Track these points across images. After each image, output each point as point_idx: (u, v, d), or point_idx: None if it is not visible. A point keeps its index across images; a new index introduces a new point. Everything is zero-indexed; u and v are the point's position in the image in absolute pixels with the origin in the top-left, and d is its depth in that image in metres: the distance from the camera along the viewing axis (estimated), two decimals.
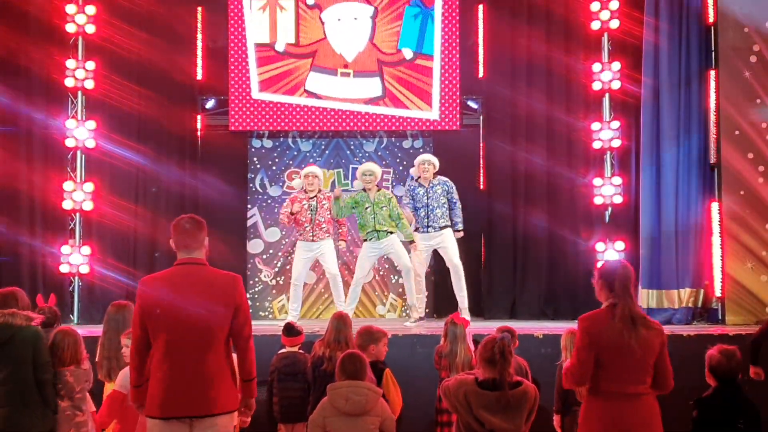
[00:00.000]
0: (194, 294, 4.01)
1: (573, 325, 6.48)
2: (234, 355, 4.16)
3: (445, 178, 9.28)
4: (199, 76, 11.00)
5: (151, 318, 3.99)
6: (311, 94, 10.82)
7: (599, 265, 4.34)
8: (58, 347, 5.10)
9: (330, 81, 10.85)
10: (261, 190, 11.30)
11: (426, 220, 9.21)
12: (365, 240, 9.01)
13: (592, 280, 4.21)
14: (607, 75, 10.39)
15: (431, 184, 9.18)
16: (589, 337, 4.01)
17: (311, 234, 9.14)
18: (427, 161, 9.22)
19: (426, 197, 9.18)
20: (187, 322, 3.96)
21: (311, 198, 9.20)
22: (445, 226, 9.21)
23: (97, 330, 6.06)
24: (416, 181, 9.29)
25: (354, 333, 5.97)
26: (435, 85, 10.83)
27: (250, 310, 4.36)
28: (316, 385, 5.83)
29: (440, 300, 10.92)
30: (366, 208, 8.92)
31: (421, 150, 11.32)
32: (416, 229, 9.24)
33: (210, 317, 3.98)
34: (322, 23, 10.85)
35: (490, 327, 7.07)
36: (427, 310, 10.98)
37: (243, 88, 10.87)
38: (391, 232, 8.96)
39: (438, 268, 11.17)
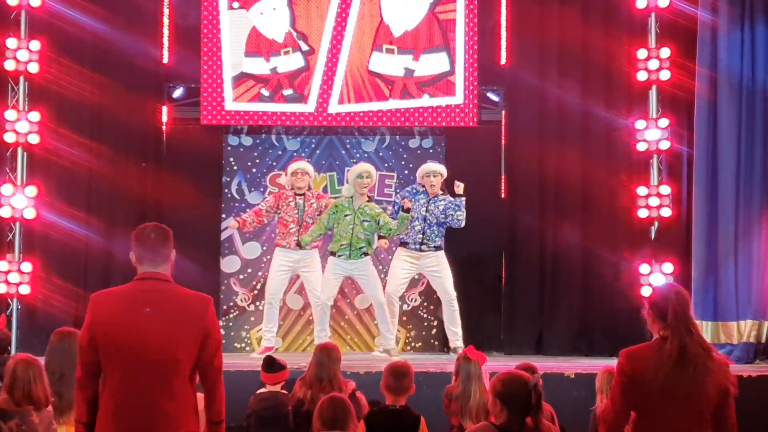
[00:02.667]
0: (156, 316, 4.01)
1: (611, 362, 6.50)
2: (200, 395, 4.16)
3: (457, 199, 9.36)
4: (166, 60, 11.03)
5: (103, 341, 3.99)
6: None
7: (649, 292, 4.32)
8: (20, 380, 5.09)
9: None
10: (238, 197, 11.31)
11: (421, 235, 9.26)
12: (333, 254, 9.15)
13: (642, 312, 4.19)
14: (654, 63, 10.40)
15: (436, 197, 9.28)
16: (626, 377, 3.99)
17: (296, 238, 9.24)
18: (433, 172, 9.34)
19: (425, 209, 9.22)
20: (145, 349, 3.96)
21: (298, 195, 9.31)
22: (440, 247, 9.34)
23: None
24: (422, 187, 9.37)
25: (337, 368, 5.96)
26: (458, 65, 10.85)
27: (223, 341, 4.37)
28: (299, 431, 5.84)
29: None
30: (346, 216, 9.00)
31: (431, 150, 11.35)
32: (403, 244, 9.30)
33: (174, 344, 3.98)
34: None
35: (510, 364, 7.07)
36: (435, 343, 11.02)
37: (218, 74, 10.89)
38: (367, 254, 9.09)
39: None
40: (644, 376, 3.95)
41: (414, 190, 9.42)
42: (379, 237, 9.36)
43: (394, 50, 10.90)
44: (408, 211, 9.00)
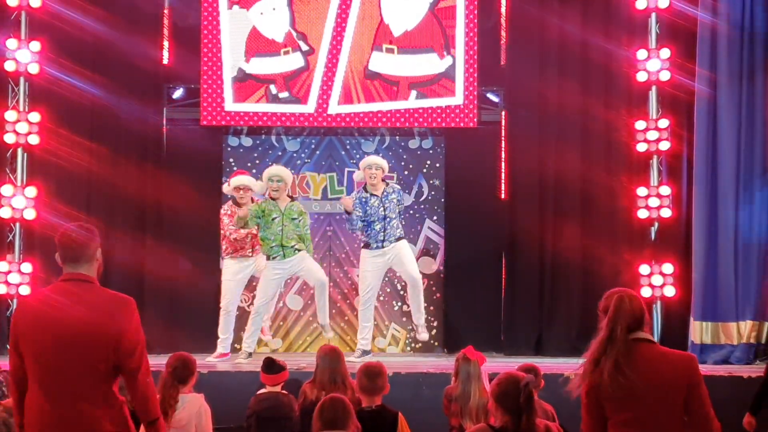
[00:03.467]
0: (73, 316, 4.00)
1: None
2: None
3: (397, 185, 9.78)
4: (165, 60, 11.05)
5: (24, 344, 4.01)
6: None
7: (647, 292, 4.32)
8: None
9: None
10: None
11: (382, 234, 9.43)
12: (268, 258, 9.31)
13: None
14: (654, 64, 10.42)
15: (385, 193, 9.47)
16: (588, 387, 4.01)
17: (251, 250, 9.56)
18: (375, 164, 9.55)
19: (383, 208, 9.38)
20: (62, 350, 3.96)
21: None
22: (401, 237, 9.62)
23: None
24: (364, 189, 9.48)
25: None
26: (459, 66, 10.87)
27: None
28: None
29: (450, 332, 10.94)
30: (273, 219, 9.19)
31: (431, 151, 11.37)
32: (366, 246, 9.50)
33: (89, 344, 3.97)
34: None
35: (510, 364, 7.08)
36: (435, 344, 11.02)
37: (218, 74, 10.90)
38: (299, 250, 9.27)
39: (448, 296, 11.21)
40: (601, 385, 3.95)
41: (363, 199, 9.49)
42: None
43: (393, 50, 10.92)
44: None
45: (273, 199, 9.30)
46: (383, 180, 9.64)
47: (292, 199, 9.46)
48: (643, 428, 3.91)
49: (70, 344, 3.96)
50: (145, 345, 4.18)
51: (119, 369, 4.05)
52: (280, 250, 9.24)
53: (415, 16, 10.91)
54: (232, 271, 9.66)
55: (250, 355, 9.34)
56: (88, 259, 4.15)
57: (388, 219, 9.44)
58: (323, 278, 9.47)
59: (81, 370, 3.97)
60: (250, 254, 9.63)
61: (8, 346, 4.14)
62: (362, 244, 9.71)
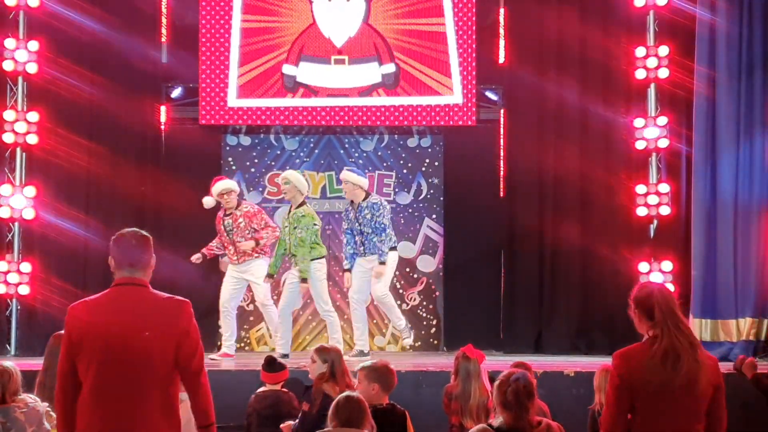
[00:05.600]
0: (130, 320, 4.00)
1: (609, 361, 6.53)
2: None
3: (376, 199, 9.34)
4: (164, 60, 11.05)
5: (80, 351, 3.99)
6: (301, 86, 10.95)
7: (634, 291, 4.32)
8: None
9: (323, 70, 10.99)
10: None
11: (349, 248, 9.36)
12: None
13: (628, 312, 4.21)
14: (653, 61, 10.43)
15: (360, 206, 9.21)
16: (620, 378, 4.01)
17: (235, 258, 9.52)
18: (343, 180, 9.32)
19: (356, 222, 9.24)
20: (120, 355, 3.95)
21: (227, 215, 9.50)
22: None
23: (38, 364, 6.07)
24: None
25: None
26: (453, 65, 10.89)
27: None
28: None
29: (450, 330, 10.96)
30: (285, 227, 9.30)
31: (429, 149, 11.38)
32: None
33: (148, 347, 3.97)
34: (310, 3, 10.96)
35: (510, 363, 7.09)
36: (435, 342, 11.04)
37: (216, 74, 10.92)
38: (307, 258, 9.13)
39: (448, 294, 11.22)
40: (638, 376, 3.97)
41: (347, 209, 9.41)
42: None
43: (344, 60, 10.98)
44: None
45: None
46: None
47: (303, 204, 9.28)
48: (673, 421, 3.95)
49: (130, 349, 3.96)
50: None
51: (180, 372, 4.05)
52: (289, 256, 9.24)
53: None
54: (226, 276, 9.67)
55: (284, 356, 8.95)
56: (145, 265, 4.15)
57: (356, 233, 9.27)
58: (326, 307, 9.26)
59: (141, 374, 3.97)
60: (237, 261, 9.50)
61: (60, 355, 4.10)
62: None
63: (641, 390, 3.97)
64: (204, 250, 9.65)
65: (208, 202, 9.61)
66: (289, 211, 9.31)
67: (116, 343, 3.96)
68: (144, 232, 4.25)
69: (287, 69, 10.96)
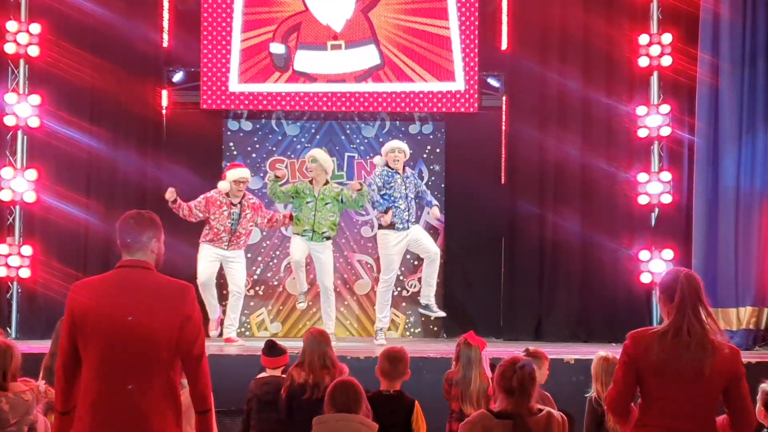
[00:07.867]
0: (132, 302, 3.97)
1: (608, 348, 6.53)
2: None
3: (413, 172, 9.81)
4: (165, 43, 11.04)
5: (81, 330, 3.98)
6: (300, 75, 10.93)
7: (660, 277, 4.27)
8: None
9: (320, 57, 10.96)
10: None
11: (407, 213, 9.42)
12: (297, 234, 9.37)
13: (656, 298, 4.20)
14: (656, 49, 10.41)
15: (406, 174, 9.50)
16: (629, 357, 3.99)
17: (225, 245, 9.48)
18: (398, 149, 9.50)
19: (404, 187, 9.43)
20: (122, 337, 3.93)
21: (234, 204, 9.45)
22: (415, 220, 9.74)
23: (38, 346, 6.08)
24: (388, 167, 9.45)
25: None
26: (456, 51, 10.86)
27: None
28: (294, 420, 5.83)
29: (450, 317, 10.95)
30: (307, 203, 9.25)
31: (431, 136, 11.36)
32: (391, 226, 9.35)
33: (150, 330, 3.95)
34: None
35: (510, 350, 7.09)
36: (435, 329, 11.05)
37: (218, 58, 10.90)
38: (329, 237, 9.37)
39: (448, 281, 11.22)
40: (644, 356, 3.95)
41: (387, 173, 9.42)
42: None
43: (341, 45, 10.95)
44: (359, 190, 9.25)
45: (311, 182, 9.36)
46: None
47: (327, 182, 9.38)
48: (681, 409, 3.93)
49: (132, 331, 3.94)
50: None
51: (180, 355, 4.02)
52: (310, 232, 9.27)
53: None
54: (204, 255, 9.49)
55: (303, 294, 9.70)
56: (141, 246, 4.09)
57: (410, 199, 9.45)
58: (327, 283, 9.41)
59: (142, 356, 3.95)
60: (226, 248, 9.47)
61: (61, 334, 4.08)
62: (380, 226, 9.45)
63: (646, 370, 3.95)
64: (183, 202, 9.46)
65: (223, 186, 9.52)
66: (309, 189, 9.29)
67: (116, 326, 3.94)
68: (147, 213, 4.20)
69: (274, 48, 10.95)
